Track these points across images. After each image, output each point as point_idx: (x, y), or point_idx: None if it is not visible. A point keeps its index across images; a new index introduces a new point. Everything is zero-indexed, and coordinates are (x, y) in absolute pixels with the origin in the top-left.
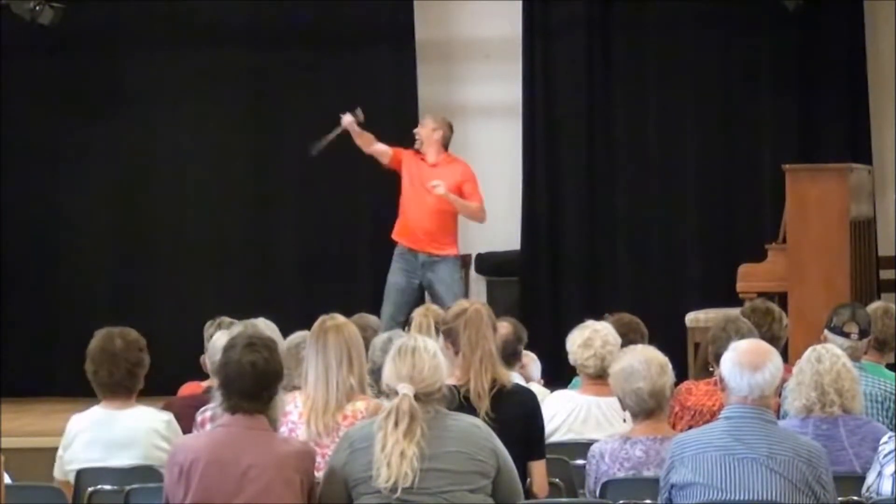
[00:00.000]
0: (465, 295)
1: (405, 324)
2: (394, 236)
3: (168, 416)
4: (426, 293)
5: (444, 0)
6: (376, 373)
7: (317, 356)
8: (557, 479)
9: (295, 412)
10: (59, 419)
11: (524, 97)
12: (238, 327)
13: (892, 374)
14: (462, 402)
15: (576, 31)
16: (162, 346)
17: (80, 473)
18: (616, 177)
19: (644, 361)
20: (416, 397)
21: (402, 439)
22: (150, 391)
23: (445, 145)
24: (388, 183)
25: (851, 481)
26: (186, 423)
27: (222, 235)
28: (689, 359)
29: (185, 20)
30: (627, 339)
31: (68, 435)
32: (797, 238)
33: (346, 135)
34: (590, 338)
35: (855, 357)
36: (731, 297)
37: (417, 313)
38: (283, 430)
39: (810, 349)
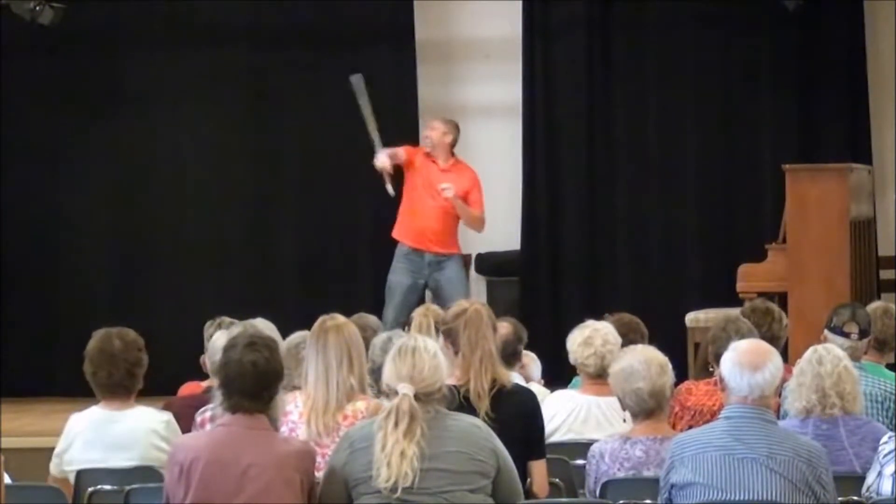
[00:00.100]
0: (467, 294)
1: (405, 324)
2: (397, 237)
3: (167, 417)
4: (426, 293)
5: (444, 0)
6: (376, 373)
7: (317, 356)
8: (557, 479)
9: (295, 412)
10: (59, 419)
11: (524, 97)
12: (238, 327)
13: (892, 374)
14: (462, 402)
15: (576, 31)
16: (162, 346)
17: (80, 474)
18: (616, 177)
19: (644, 361)
20: (416, 397)
21: (402, 439)
22: (150, 391)
23: (453, 148)
24: None
25: (851, 481)
26: (186, 423)
27: (222, 235)
28: (689, 359)
29: (185, 20)
30: (627, 339)
31: (68, 435)
32: (797, 238)
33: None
34: (590, 337)
35: (855, 357)
36: (731, 297)
37: (417, 313)
38: (284, 429)
39: (811, 350)
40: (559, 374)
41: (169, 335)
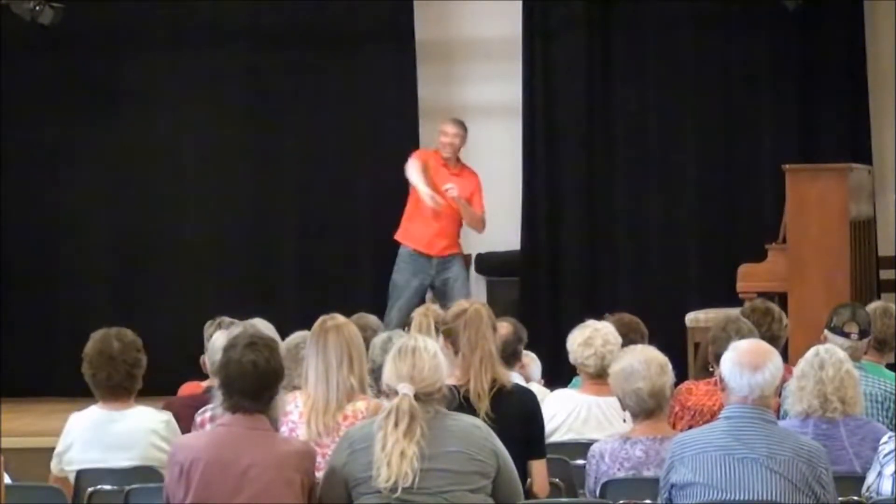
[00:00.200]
0: (469, 294)
1: (405, 324)
2: (402, 239)
3: (167, 416)
4: (428, 294)
5: (444, 0)
6: (376, 372)
7: (317, 356)
8: (557, 479)
9: (295, 412)
10: (59, 419)
11: (524, 97)
12: (238, 328)
13: (892, 374)
14: (462, 402)
15: (576, 31)
16: (162, 346)
17: (80, 474)
18: (616, 177)
19: (644, 361)
20: (416, 397)
21: (402, 439)
22: (150, 391)
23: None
24: (388, 183)
25: (851, 481)
26: (186, 423)
27: (222, 235)
28: (689, 359)
29: (185, 20)
30: (627, 339)
31: (68, 435)
32: (797, 238)
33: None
34: (590, 337)
35: (855, 357)
36: (731, 297)
37: (417, 313)
38: (284, 429)
39: (812, 352)
40: (559, 374)
41: (169, 335)
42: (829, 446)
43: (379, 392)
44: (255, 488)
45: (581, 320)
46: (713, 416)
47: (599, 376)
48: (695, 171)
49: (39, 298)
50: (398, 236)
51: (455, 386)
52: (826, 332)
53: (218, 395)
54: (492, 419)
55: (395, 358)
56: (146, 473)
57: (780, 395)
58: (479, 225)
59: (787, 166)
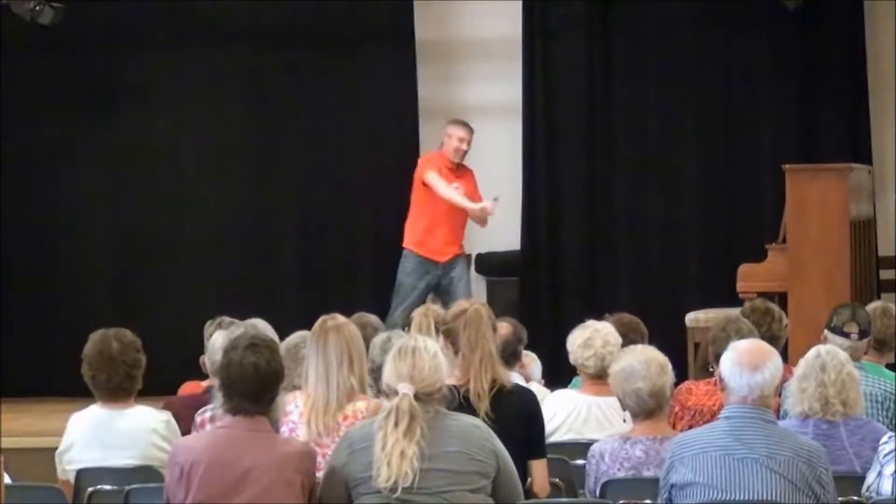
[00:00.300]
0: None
1: (406, 324)
2: (413, 248)
3: (167, 416)
4: (432, 294)
5: (444, 0)
6: (376, 372)
7: (317, 356)
8: (557, 479)
9: (295, 412)
10: (59, 419)
11: (524, 97)
12: (239, 328)
13: (892, 374)
14: (462, 402)
15: (576, 31)
16: (162, 346)
17: (80, 473)
18: (616, 177)
19: (644, 361)
20: (416, 397)
21: (402, 439)
22: (150, 391)
23: None
24: (387, 183)
25: (851, 481)
26: (186, 423)
27: (222, 235)
28: (689, 359)
29: (185, 20)
30: (627, 339)
31: (68, 436)
32: (797, 238)
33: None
34: (590, 337)
35: (855, 357)
36: (731, 297)
37: (417, 313)
38: (284, 429)
39: (813, 354)
40: (559, 374)
41: (169, 335)
42: (829, 446)
43: (379, 392)
44: (256, 489)
45: (581, 320)
46: (713, 416)
47: (599, 377)
48: (695, 171)
49: (39, 298)
50: (408, 245)
51: (455, 386)
52: (826, 332)
53: (218, 397)
54: (492, 419)
55: (395, 358)
56: (146, 473)
57: (780, 395)
58: (486, 221)
59: (787, 166)
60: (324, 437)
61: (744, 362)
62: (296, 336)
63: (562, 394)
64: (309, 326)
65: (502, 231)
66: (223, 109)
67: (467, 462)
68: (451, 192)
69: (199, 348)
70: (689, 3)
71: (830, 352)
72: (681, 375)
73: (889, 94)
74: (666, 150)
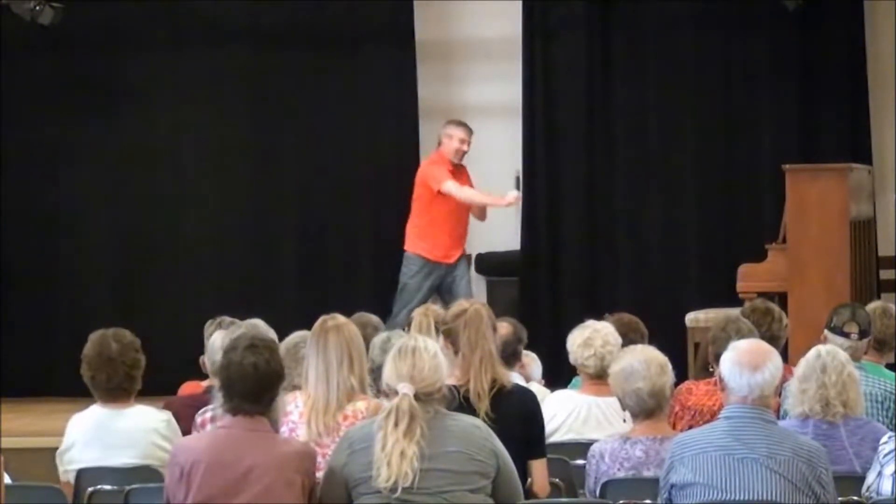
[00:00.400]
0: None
1: (406, 324)
2: (420, 253)
3: (167, 416)
4: (436, 293)
5: (444, 0)
6: (376, 372)
7: (317, 356)
8: (557, 479)
9: (295, 412)
10: (59, 419)
11: (524, 97)
12: (240, 328)
13: (892, 374)
14: (462, 402)
15: (576, 31)
16: (162, 346)
17: (80, 473)
18: (616, 177)
19: (644, 361)
20: (416, 397)
21: (402, 439)
22: (150, 391)
23: None
24: (387, 183)
25: (851, 481)
26: (186, 423)
27: (222, 235)
28: (689, 359)
29: (185, 20)
30: (627, 339)
31: (68, 436)
32: (797, 238)
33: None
34: (590, 337)
35: (855, 357)
36: (731, 297)
37: (417, 313)
38: (284, 429)
39: (814, 354)
40: (559, 374)
41: (169, 335)
42: (829, 446)
43: (379, 392)
44: (256, 489)
45: (581, 320)
46: (713, 416)
47: (599, 377)
48: (695, 171)
49: (39, 298)
50: (413, 248)
51: (455, 386)
52: (826, 332)
53: (218, 397)
54: (492, 419)
55: (395, 358)
56: (146, 473)
57: (780, 395)
58: (486, 215)
59: (787, 166)
60: (324, 437)
61: (744, 362)
62: (296, 336)
63: (562, 394)
64: (309, 326)
65: (502, 231)
66: (223, 109)
67: (467, 462)
68: (472, 192)
69: (199, 348)
70: (689, 3)
71: (831, 352)
72: (681, 375)
73: (889, 94)
74: (666, 150)
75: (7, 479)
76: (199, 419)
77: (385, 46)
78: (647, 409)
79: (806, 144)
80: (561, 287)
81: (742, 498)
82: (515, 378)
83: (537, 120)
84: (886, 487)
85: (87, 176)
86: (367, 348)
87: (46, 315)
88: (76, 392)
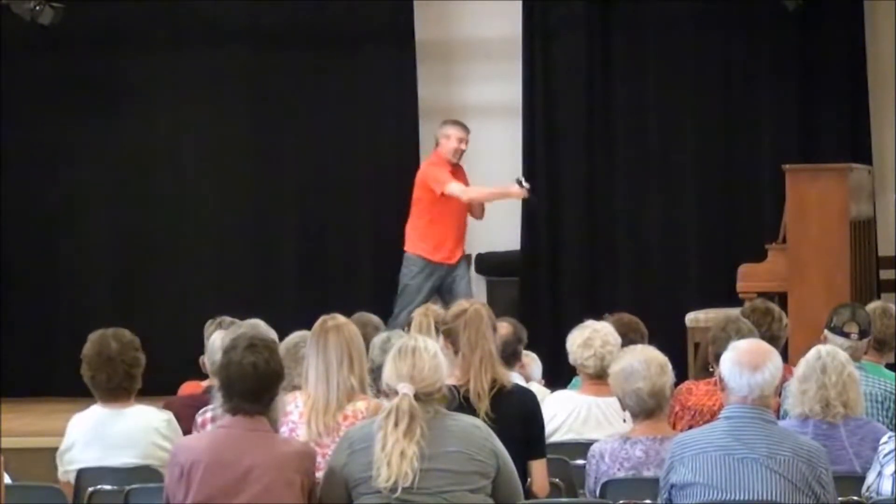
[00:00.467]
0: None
1: (406, 324)
2: (423, 255)
3: (168, 416)
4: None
5: (444, 0)
6: (376, 372)
7: (317, 356)
8: (557, 479)
9: (295, 412)
10: (59, 419)
11: (524, 97)
12: (242, 328)
13: (892, 374)
14: (462, 402)
15: (576, 31)
16: (162, 346)
17: (80, 473)
18: (616, 177)
19: (644, 361)
20: (416, 397)
21: (402, 439)
22: (150, 391)
23: None
24: (387, 183)
25: (851, 481)
26: (186, 423)
27: (222, 235)
28: (689, 359)
29: (185, 20)
30: (627, 339)
31: (69, 436)
32: (797, 238)
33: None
34: (589, 338)
35: (855, 357)
36: (731, 297)
37: (417, 313)
38: (284, 429)
39: (814, 354)
40: (559, 374)
41: (169, 335)
42: (829, 446)
43: (379, 392)
44: (256, 489)
45: (581, 320)
46: (713, 416)
47: (599, 377)
48: (695, 171)
49: (39, 298)
50: (414, 250)
51: (455, 386)
52: (826, 332)
53: (218, 397)
54: (492, 419)
55: (395, 358)
56: (146, 473)
57: (780, 395)
58: (482, 214)
59: (787, 166)
60: (324, 437)
61: (744, 362)
62: (296, 336)
63: (562, 394)
64: (309, 326)
65: (502, 231)
66: (223, 109)
67: (467, 462)
68: (476, 191)
69: (199, 348)
70: (689, 3)
71: (831, 353)
72: (681, 375)
73: (889, 94)
74: (666, 150)
75: (7, 479)
76: (199, 419)
77: (385, 46)
78: (647, 409)
79: (806, 144)
80: (561, 287)
81: (742, 498)
82: (515, 378)
83: (537, 120)
84: (886, 487)
85: (87, 176)
86: (367, 348)
87: (46, 315)
88: (76, 392)
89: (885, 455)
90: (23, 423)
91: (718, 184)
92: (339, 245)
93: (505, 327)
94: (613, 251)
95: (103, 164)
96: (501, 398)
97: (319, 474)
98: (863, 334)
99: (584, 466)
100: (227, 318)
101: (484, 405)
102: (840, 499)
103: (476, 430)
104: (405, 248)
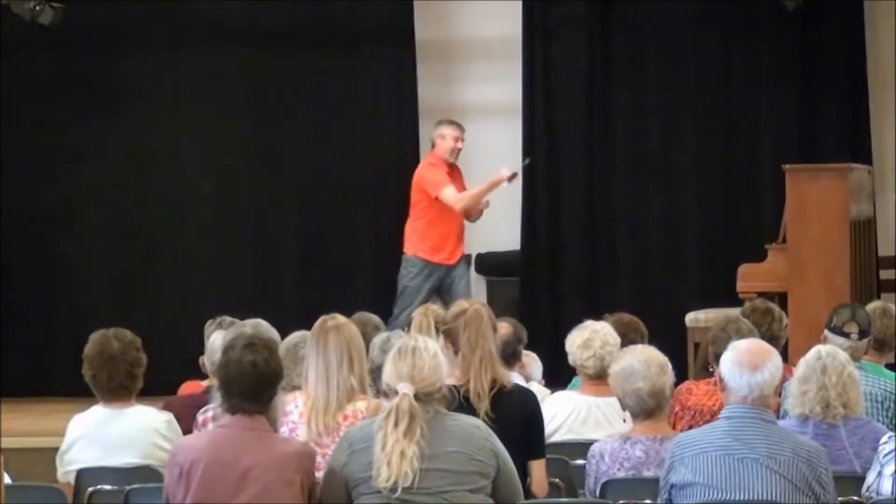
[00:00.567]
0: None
1: (406, 324)
2: (424, 256)
3: (168, 417)
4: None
5: (444, 0)
6: (376, 372)
7: (317, 356)
8: (557, 479)
9: (295, 412)
10: (59, 419)
11: (524, 97)
12: (246, 327)
13: (892, 373)
14: (462, 402)
15: (576, 31)
16: (162, 346)
17: (80, 473)
18: (616, 177)
19: (644, 361)
20: (416, 397)
21: (402, 439)
22: (150, 391)
23: None
24: (387, 183)
25: (851, 481)
26: (187, 423)
27: (222, 235)
28: (689, 359)
29: (185, 20)
30: (627, 339)
31: (69, 436)
32: (797, 238)
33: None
34: (589, 338)
35: (855, 357)
36: (731, 297)
37: (417, 313)
38: (284, 429)
39: (814, 354)
40: (559, 374)
41: (169, 335)
42: (829, 446)
43: (379, 392)
44: (256, 489)
45: (581, 320)
46: (713, 416)
47: (599, 377)
48: (695, 171)
49: (39, 298)
50: (414, 251)
51: (455, 386)
52: (826, 332)
53: (217, 397)
54: (492, 419)
55: (395, 358)
56: (146, 473)
57: (780, 395)
58: (479, 216)
59: (787, 166)
60: (324, 437)
61: (744, 362)
62: (295, 336)
63: (561, 395)
64: (309, 326)
65: (502, 231)
66: (223, 109)
67: (467, 462)
68: (468, 196)
69: (199, 348)
70: (689, 4)
71: (831, 353)
72: (681, 375)
73: (889, 94)
74: (666, 150)
75: (7, 479)
76: (200, 418)
77: (385, 46)
78: (647, 409)
79: (806, 144)
80: (561, 287)
81: (742, 498)
82: (515, 378)
83: (537, 120)
84: (886, 487)
85: (87, 175)
86: (367, 348)
87: (46, 315)
88: (76, 392)
89: (885, 455)
90: (23, 423)
91: (718, 184)
92: (339, 245)
93: (505, 327)
94: (613, 251)
95: (103, 164)
96: (501, 398)
97: (319, 474)
98: (863, 334)
99: (584, 466)
100: (227, 318)
101: (484, 405)
102: (840, 499)
103: (476, 430)
104: (404, 250)
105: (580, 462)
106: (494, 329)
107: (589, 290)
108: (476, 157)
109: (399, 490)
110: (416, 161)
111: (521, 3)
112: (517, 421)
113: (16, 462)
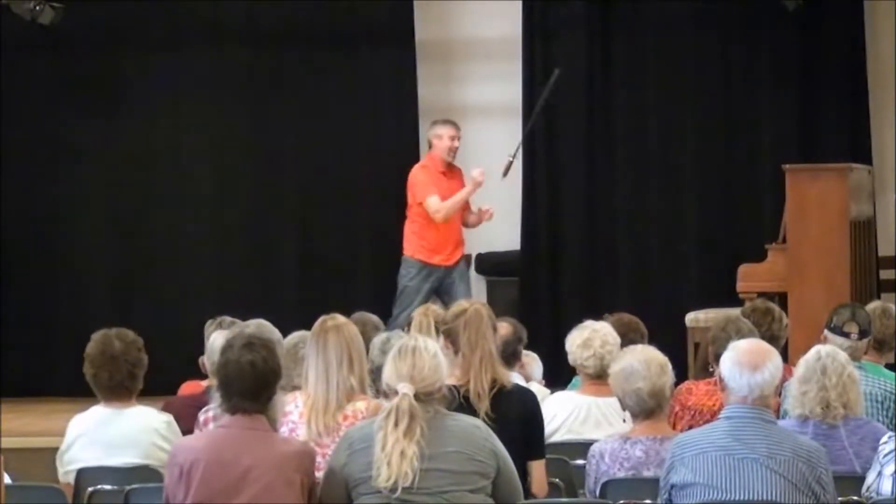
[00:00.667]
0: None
1: (406, 324)
2: (422, 258)
3: (168, 418)
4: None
5: (444, 0)
6: (376, 372)
7: (317, 356)
8: (557, 479)
9: (295, 412)
10: (60, 419)
11: (524, 97)
12: (249, 328)
13: (892, 374)
14: (462, 402)
15: (576, 31)
16: (162, 346)
17: (80, 473)
18: (616, 177)
19: (644, 361)
20: (416, 397)
21: (402, 438)
22: (150, 391)
23: None
24: (387, 183)
25: (851, 481)
26: (187, 423)
27: (222, 235)
28: (689, 359)
29: (185, 20)
30: (627, 339)
31: (69, 436)
32: (797, 238)
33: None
34: (589, 338)
35: (855, 357)
36: (731, 297)
37: (417, 313)
38: (284, 429)
39: (814, 354)
40: (559, 374)
41: (169, 335)
42: (829, 446)
43: (379, 392)
44: (256, 489)
45: (581, 320)
46: (713, 416)
47: (599, 377)
48: (695, 171)
49: (39, 298)
50: (413, 253)
51: (455, 386)
52: (826, 332)
53: (217, 396)
54: (492, 419)
55: (395, 358)
56: (146, 473)
57: (780, 395)
58: (477, 223)
59: (787, 166)
60: (324, 437)
61: (744, 362)
62: (295, 336)
63: (561, 395)
64: (309, 326)
65: (502, 231)
66: (223, 109)
67: (467, 462)
68: (449, 205)
69: (199, 348)
70: (689, 4)
71: (831, 353)
72: (681, 375)
73: (889, 94)
74: (666, 150)
75: (7, 479)
76: (201, 417)
77: (385, 46)
78: (647, 409)
79: (806, 144)
80: (561, 287)
81: (742, 498)
82: (515, 378)
83: (537, 120)
84: (886, 487)
85: (88, 175)
86: (367, 348)
87: (46, 315)
88: (76, 392)
89: (885, 455)
90: (23, 423)
91: (718, 184)
92: (339, 245)
93: (505, 327)
94: (613, 251)
95: (103, 163)
96: (501, 398)
97: (319, 474)
98: (863, 334)
99: (584, 466)
100: (227, 318)
101: (484, 405)
102: (840, 499)
103: (476, 430)
104: (404, 252)
105: (580, 462)
106: (494, 329)
107: (589, 290)
108: (476, 157)
109: (399, 490)
110: (416, 161)
111: (521, 3)
112: (517, 421)
113: (16, 462)
